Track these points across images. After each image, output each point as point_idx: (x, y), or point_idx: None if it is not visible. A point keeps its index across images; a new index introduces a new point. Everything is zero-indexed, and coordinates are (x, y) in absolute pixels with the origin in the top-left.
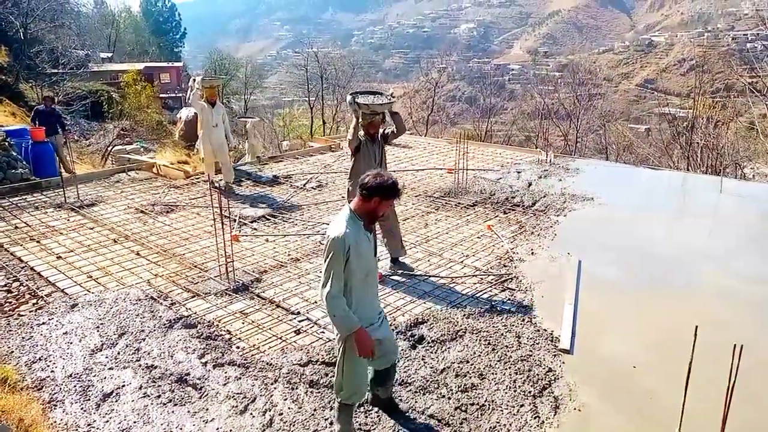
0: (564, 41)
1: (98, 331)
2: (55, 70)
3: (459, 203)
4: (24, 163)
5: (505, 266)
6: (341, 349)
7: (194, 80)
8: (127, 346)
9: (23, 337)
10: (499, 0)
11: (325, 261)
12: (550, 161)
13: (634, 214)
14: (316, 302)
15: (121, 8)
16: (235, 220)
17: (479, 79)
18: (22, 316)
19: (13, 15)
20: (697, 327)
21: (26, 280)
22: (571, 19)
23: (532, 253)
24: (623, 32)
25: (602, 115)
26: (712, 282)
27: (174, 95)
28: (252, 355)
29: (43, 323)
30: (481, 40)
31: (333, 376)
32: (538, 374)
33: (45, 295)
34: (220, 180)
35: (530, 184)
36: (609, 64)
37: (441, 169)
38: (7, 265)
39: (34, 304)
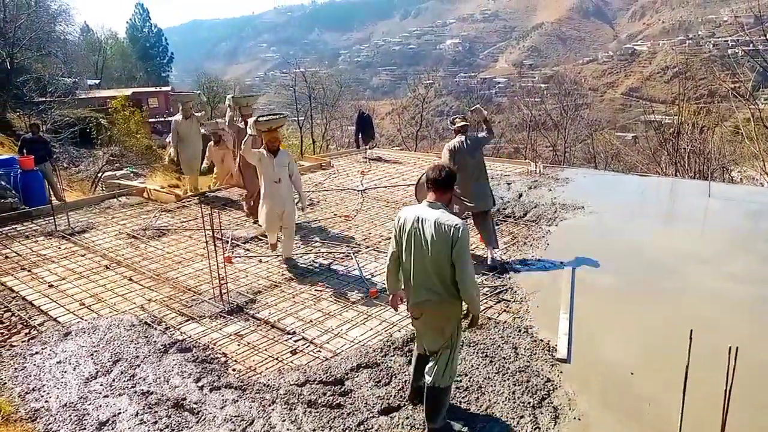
0: (548, 53)
1: (92, 358)
2: (43, 99)
3: None
4: (13, 192)
5: (499, 278)
6: (455, 336)
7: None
8: (122, 372)
9: (16, 368)
10: (483, 15)
11: (465, 252)
12: (540, 172)
13: (626, 221)
14: (311, 321)
15: (108, 35)
16: (227, 242)
17: (466, 93)
18: (15, 346)
19: (0, 45)
20: (692, 331)
21: (18, 310)
22: (554, 31)
23: (526, 263)
24: (606, 42)
25: (589, 124)
26: (705, 285)
27: (163, 119)
28: (248, 377)
29: (36, 353)
30: (466, 54)
31: (332, 395)
32: (536, 385)
33: (37, 325)
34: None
35: (521, 195)
36: (594, 74)
37: None
38: None
39: (26, 334)
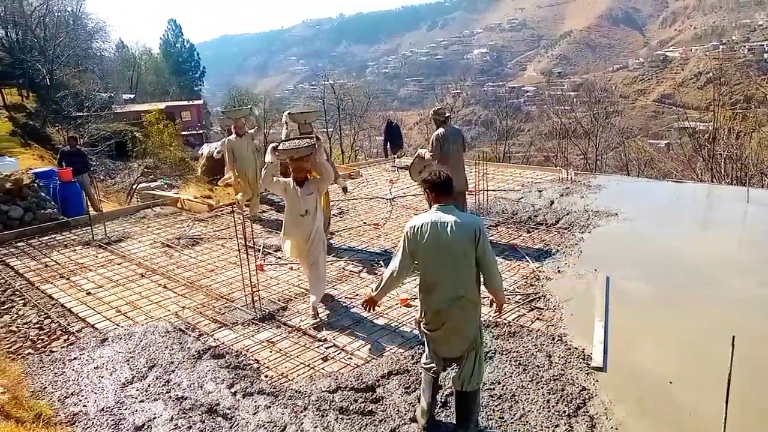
0: (577, 61)
1: (128, 364)
2: (80, 113)
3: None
4: (52, 203)
5: (531, 285)
6: (478, 338)
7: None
8: (157, 378)
9: (56, 373)
10: (510, 24)
11: (489, 244)
12: (571, 179)
13: (661, 228)
14: (342, 328)
15: (142, 51)
16: (259, 250)
17: (494, 102)
18: (54, 352)
19: (40, 63)
20: (734, 337)
21: (57, 317)
22: (583, 38)
23: (559, 271)
24: (637, 49)
25: (621, 132)
26: (746, 292)
27: (195, 132)
28: (281, 384)
29: (75, 358)
30: (494, 64)
31: (364, 402)
32: (571, 393)
33: (76, 331)
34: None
35: (552, 203)
36: (624, 82)
37: None
38: (38, 303)
39: (65, 340)
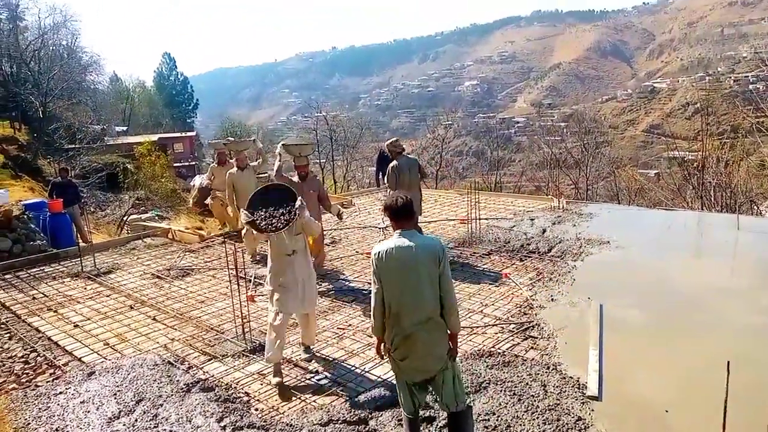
0: (567, 92)
1: (115, 398)
2: (72, 146)
3: (474, 252)
4: (42, 234)
5: (525, 314)
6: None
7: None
8: (144, 412)
9: (40, 408)
10: (501, 57)
11: (448, 266)
12: (563, 207)
13: (653, 256)
14: (334, 359)
15: (136, 84)
16: (250, 281)
17: (485, 133)
18: (40, 386)
19: (34, 96)
20: (729, 363)
21: (43, 350)
22: (572, 70)
23: (552, 299)
24: (625, 80)
25: (611, 161)
26: (739, 319)
27: (187, 164)
28: (272, 417)
29: (60, 393)
30: (485, 95)
31: None
32: (567, 423)
33: (62, 365)
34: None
35: (544, 231)
36: (613, 112)
37: (453, 219)
38: (24, 337)
39: (51, 374)
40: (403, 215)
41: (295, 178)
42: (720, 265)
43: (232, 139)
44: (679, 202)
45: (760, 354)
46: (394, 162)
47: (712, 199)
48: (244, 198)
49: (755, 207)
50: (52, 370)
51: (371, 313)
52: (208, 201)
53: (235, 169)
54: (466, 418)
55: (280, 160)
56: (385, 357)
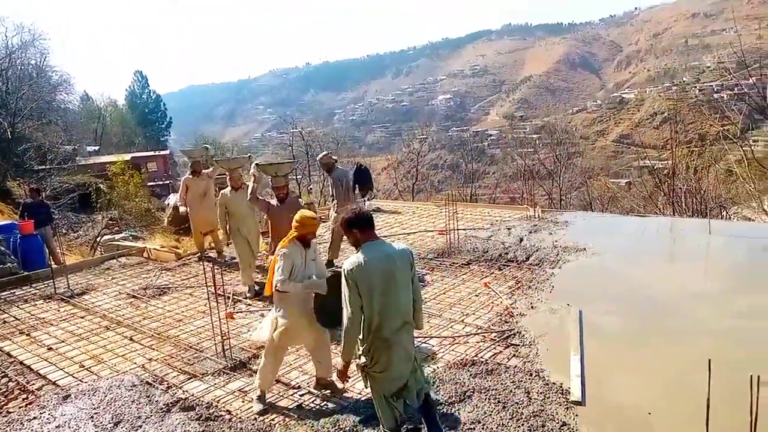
0: (538, 104)
1: (92, 421)
2: (43, 166)
3: (453, 263)
4: (12, 257)
5: (506, 322)
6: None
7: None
8: None
9: None
10: (473, 70)
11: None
12: (539, 216)
13: (629, 261)
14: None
15: (107, 102)
16: (228, 298)
17: (459, 146)
18: (12, 412)
19: (2, 116)
20: (710, 361)
21: (15, 375)
22: (543, 83)
23: (532, 307)
24: (594, 92)
25: (583, 171)
26: (715, 323)
27: (162, 182)
28: None
29: (34, 418)
30: (458, 109)
31: None
32: (552, 429)
33: (35, 389)
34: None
35: (522, 240)
36: (584, 123)
37: (431, 231)
38: None
39: (24, 399)
40: (368, 225)
41: (274, 201)
42: (694, 270)
43: (209, 147)
44: (651, 208)
45: (736, 355)
46: (330, 176)
47: (683, 204)
48: (239, 220)
49: (725, 212)
50: (24, 395)
51: (343, 335)
52: (194, 232)
53: (228, 189)
54: (433, 400)
55: (254, 181)
56: (350, 379)
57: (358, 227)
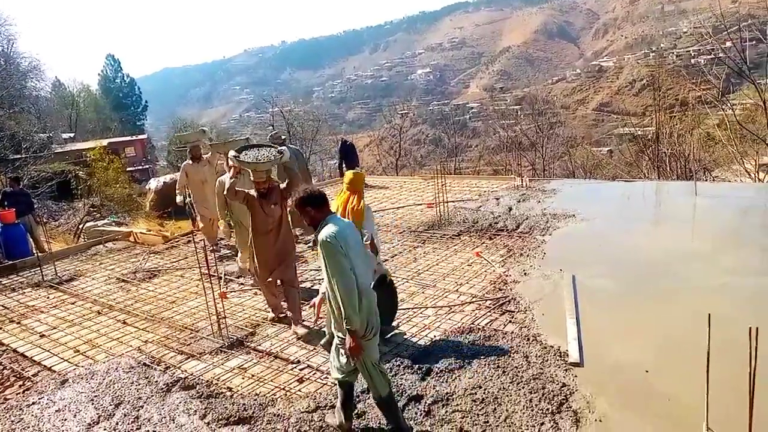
0: (518, 75)
1: (93, 403)
2: (18, 156)
3: (444, 234)
4: None
5: (500, 290)
6: None
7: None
8: (125, 415)
9: (12, 421)
10: (451, 43)
11: None
12: (526, 185)
13: (618, 225)
14: (315, 348)
15: (80, 88)
16: (220, 278)
17: (441, 120)
18: (9, 399)
19: None
20: (710, 315)
21: (10, 363)
22: (522, 54)
23: (525, 273)
24: (573, 61)
25: (565, 141)
26: (706, 281)
27: (141, 167)
28: (258, 409)
29: (33, 403)
30: (438, 83)
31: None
32: (552, 391)
33: (31, 375)
34: None
35: (511, 209)
36: (564, 93)
37: (420, 204)
38: None
39: (20, 386)
40: (323, 202)
41: (253, 192)
42: (682, 231)
43: (207, 129)
44: (636, 173)
45: (729, 312)
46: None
47: (668, 168)
48: (241, 212)
49: (708, 174)
50: (21, 382)
51: (347, 303)
52: (198, 222)
53: (227, 176)
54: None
55: (233, 175)
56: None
57: (313, 205)
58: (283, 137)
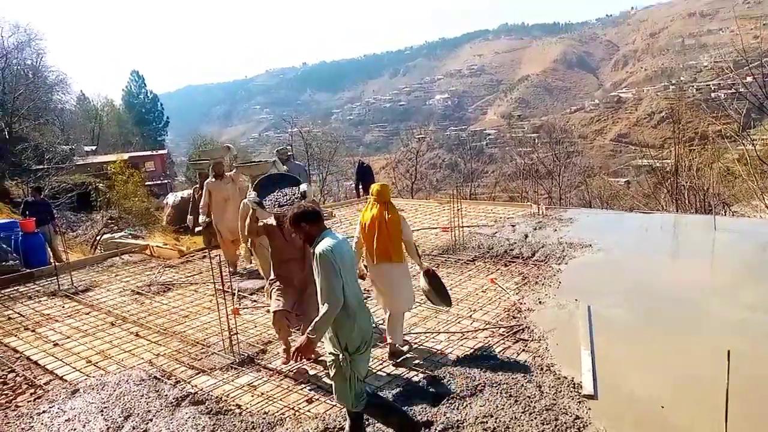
0: (536, 104)
1: (102, 415)
2: (41, 166)
3: (458, 259)
4: (14, 254)
5: (514, 317)
6: None
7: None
8: (134, 428)
9: (23, 428)
10: (470, 70)
11: None
12: (543, 213)
13: (635, 257)
14: (325, 369)
15: (104, 102)
16: (234, 294)
17: (458, 145)
18: (21, 406)
19: None
20: (729, 352)
21: (23, 371)
22: (540, 82)
23: (540, 302)
24: (592, 91)
25: (582, 171)
26: (724, 316)
27: (159, 182)
28: (265, 428)
29: (44, 412)
30: (456, 109)
31: None
32: (565, 422)
33: (43, 384)
34: None
35: (527, 236)
36: (582, 122)
37: (435, 228)
38: (2, 357)
39: (32, 393)
40: (317, 218)
41: (271, 221)
42: (701, 264)
43: (231, 146)
44: (654, 205)
45: (747, 349)
46: (284, 167)
47: (686, 201)
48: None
49: (727, 209)
50: (32, 390)
51: (324, 318)
52: (219, 241)
53: (252, 194)
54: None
55: (251, 218)
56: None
57: (307, 221)
58: (289, 153)
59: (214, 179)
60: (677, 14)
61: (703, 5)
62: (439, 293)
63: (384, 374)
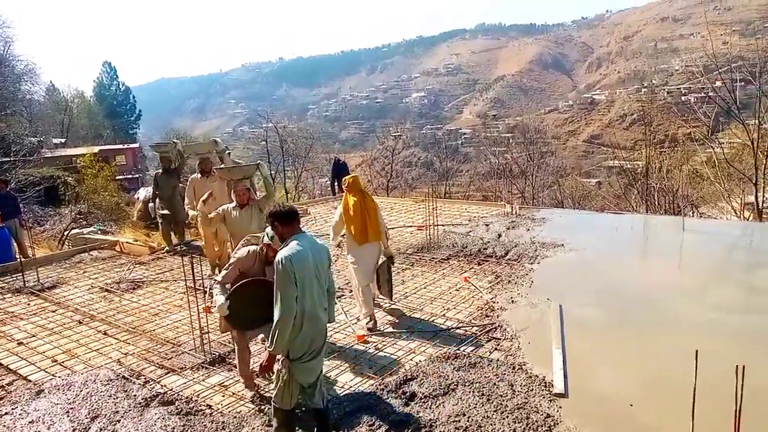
0: (511, 104)
1: (68, 416)
2: (7, 158)
3: (433, 258)
4: None
5: (487, 316)
6: None
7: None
8: (101, 429)
9: None
10: (447, 69)
11: None
12: (516, 213)
13: (606, 257)
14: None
15: (74, 94)
16: (205, 292)
17: (433, 144)
18: None
19: None
20: (697, 351)
21: None
22: (516, 82)
23: (512, 301)
24: (566, 92)
25: (555, 171)
26: (691, 316)
27: (130, 177)
28: (236, 428)
29: (6, 414)
30: (432, 107)
31: None
32: (537, 421)
33: (6, 384)
34: None
35: (500, 235)
36: (555, 123)
37: (411, 226)
38: None
39: None
40: (291, 218)
41: (228, 206)
42: (670, 265)
43: (219, 140)
44: (625, 206)
45: (714, 348)
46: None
47: (656, 202)
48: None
49: (695, 210)
50: None
51: (278, 327)
52: (201, 229)
53: (232, 204)
54: (329, 414)
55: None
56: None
57: (280, 220)
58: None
59: (199, 176)
60: (650, 18)
61: (676, 10)
62: (388, 284)
63: (356, 374)
